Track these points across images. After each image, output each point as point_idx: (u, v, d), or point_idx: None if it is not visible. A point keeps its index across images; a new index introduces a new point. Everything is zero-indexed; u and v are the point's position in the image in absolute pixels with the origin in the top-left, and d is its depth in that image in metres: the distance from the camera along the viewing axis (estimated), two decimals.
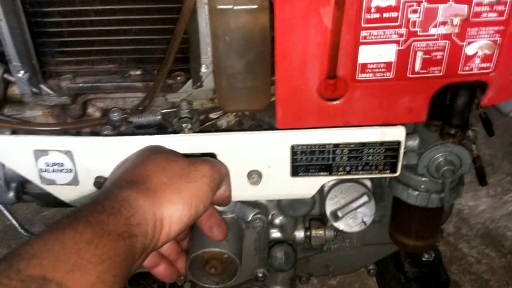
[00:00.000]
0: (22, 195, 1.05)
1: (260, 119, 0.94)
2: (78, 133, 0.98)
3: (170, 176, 0.71)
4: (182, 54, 0.90)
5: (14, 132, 0.93)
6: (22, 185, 1.03)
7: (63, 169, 0.84)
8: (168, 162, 0.74)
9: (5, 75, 1.03)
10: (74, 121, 0.98)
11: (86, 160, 0.83)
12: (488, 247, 1.72)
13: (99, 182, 0.84)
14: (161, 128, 0.96)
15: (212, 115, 0.98)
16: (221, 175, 0.78)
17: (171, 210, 0.69)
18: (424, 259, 1.13)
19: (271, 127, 0.92)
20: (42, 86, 0.93)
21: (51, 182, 0.86)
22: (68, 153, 0.83)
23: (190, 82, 0.92)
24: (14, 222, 1.06)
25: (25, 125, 0.94)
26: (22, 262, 0.54)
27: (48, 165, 0.84)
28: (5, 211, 1.05)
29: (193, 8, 0.81)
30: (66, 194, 0.87)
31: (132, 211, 0.64)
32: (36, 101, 0.95)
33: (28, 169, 0.85)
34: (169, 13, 0.88)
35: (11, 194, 1.01)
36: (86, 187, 0.85)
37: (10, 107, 1.04)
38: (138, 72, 0.96)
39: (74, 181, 0.85)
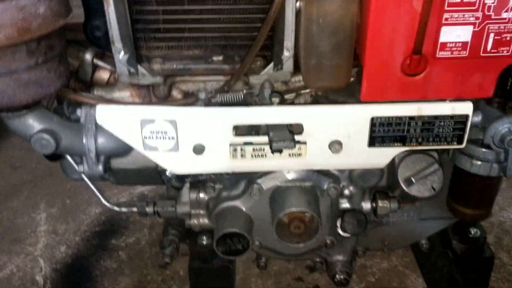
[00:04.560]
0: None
1: (334, 100, 1.04)
2: None
3: None
4: (266, 40, 1.01)
5: None
6: (108, 160, 1.12)
7: (166, 136, 0.94)
8: None
9: (95, 60, 1.14)
10: (164, 102, 1.09)
11: (188, 129, 0.93)
12: None
13: (198, 148, 0.94)
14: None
15: (286, 97, 1.09)
16: None
17: None
18: (471, 235, 1.22)
19: None
20: (139, 67, 1.03)
21: (154, 149, 0.96)
22: (172, 122, 0.93)
23: (271, 65, 1.03)
24: (98, 194, 1.15)
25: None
26: None
27: (152, 133, 0.94)
28: (90, 184, 1.14)
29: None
30: (165, 160, 0.97)
31: None
32: (132, 80, 1.05)
33: (133, 136, 0.95)
34: (257, 3, 0.99)
35: (100, 167, 1.10)
36: (185, 153, 0.95)
37: (97, 89, 1.15)
38: (220, 58, 1.07)
39: (175, 148, 0.95)
